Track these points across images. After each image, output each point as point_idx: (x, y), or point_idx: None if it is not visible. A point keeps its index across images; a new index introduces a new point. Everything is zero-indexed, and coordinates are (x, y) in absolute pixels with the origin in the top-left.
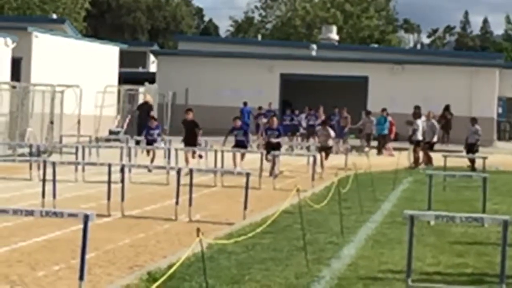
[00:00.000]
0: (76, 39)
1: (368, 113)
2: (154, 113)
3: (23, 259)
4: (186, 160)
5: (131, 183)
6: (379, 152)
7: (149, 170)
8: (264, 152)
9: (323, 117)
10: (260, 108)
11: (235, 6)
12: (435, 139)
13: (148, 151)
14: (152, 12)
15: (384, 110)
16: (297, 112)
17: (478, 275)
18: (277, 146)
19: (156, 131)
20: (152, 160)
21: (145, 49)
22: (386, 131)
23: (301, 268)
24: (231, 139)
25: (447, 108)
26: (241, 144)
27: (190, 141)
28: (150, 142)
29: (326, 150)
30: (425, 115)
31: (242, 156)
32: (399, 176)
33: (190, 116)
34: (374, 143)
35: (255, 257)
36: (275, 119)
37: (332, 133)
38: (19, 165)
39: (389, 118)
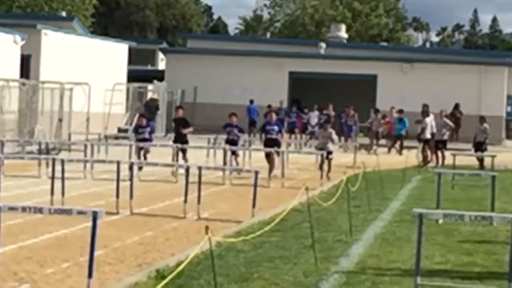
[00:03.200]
0: (85, 37)
1: (376, 111)
2: (162, 111)
3: (32, 256)
4: (174, 159)
5: (140, 181)
6: (389, 150)
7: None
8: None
9: (333, 114)
10: (269, 106)
11: (244, 4)
12: (445, 136)
13: (138, 153)
14: (161, 10)
15: (400, 111)
16: (306, 110)
17: (487, 274)
18: (276, 143)
19: (147, 129)
20: (145, 158)
21: (154, 47)
22: (403, 132)
23: (309, 266)
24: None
25: (456, 106)
26: (232, 143)
27: (180, 139)
28: (141, 142)
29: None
30: (438, 114)
31: (235, 155)
32: (408, 175)
33: (180, 113)
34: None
35: (264, 255)
36: (273, 114)
37: (334, 136)
38: (28, 163)
39: (387, 118)
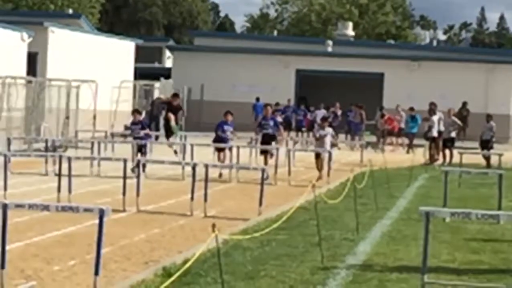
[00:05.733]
0: (92, 34)
1: (381, 109)
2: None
3: (38, 254)
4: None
5: (147, 178)
6: (408, 150)
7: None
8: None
9: (339, 112)
10: (277, 104)
11: (250, 2)
12: (453, 134)
13: (135, 153)
14: (168, 8)
15: (411, 109)
16: (312, 108)
17: (494, 272)
18: (273, 138)
19: (138, 127)
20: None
21: (161, 45)
22: (414, 130)
23: (316, 264)
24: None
25: (464, 105)
26: (223, 141)
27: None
28: (139, 146)
29: (320, 155)
30: (446, 112)
31: (224, 154)
32: (415, 173)
33: (177, 101)
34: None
35: (270, 253)
36: (269, 108)
37: (331, 133)
38: (34, 160)
39: (386, 116)
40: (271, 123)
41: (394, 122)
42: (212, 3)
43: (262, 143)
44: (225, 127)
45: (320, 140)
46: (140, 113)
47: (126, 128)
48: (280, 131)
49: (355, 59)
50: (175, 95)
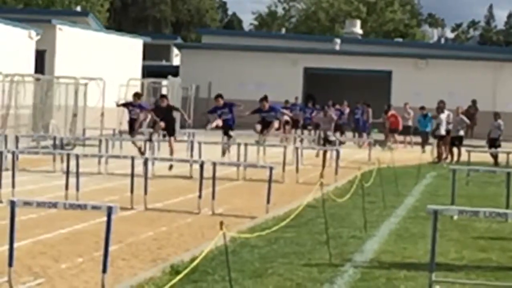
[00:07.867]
0: (100, 32)
1: (389, 107)
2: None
3: (46, 251)
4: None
5: (154, 176)
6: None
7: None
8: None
9: (347, 110)
10: (286, 102)
11: None
12: (461, 133)
13: (137, 145)
14: (176, 6)
15: (422, 108)
16: (318, 106)
17: (502, 270)
18: (269, 125)
19: (137, 110)
20: (142, 151)
21: (169, 42)
22: (428, 129)
23: (324, 262)
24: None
25: (474, 103)
26: (226, 124)
27: (170, 127)
28: (132, 125)
29: (327, 142)
30: (455, 110)
31: (227, 148)
32: (423, 171)
33: (165, 102)
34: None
35: (278, 251)
36: (265, 102)
37: (334, 116)
38: (42, 158)
39: (392, 111)
40: (272, 113)
41: (398, 118)
42: (220, 1)
43: (262, 125)
44: (219, 111)
45: (324, 126)
46: (140, 97)
47: (125, 104)
48: (285, 113)
49: (363, 57)
50: (162, 96)
